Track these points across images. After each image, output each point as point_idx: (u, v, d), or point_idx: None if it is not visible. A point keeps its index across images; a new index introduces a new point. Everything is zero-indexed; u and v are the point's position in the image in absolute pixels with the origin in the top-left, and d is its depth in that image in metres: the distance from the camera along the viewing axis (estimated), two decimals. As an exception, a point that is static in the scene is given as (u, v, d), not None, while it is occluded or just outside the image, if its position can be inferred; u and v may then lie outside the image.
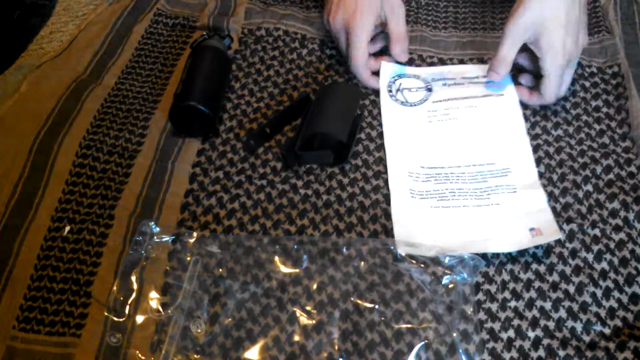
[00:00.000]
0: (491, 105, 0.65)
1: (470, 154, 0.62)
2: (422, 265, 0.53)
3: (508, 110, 0.65)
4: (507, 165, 0.60)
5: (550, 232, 0.54)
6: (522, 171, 0.60)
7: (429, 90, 0.68)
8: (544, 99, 0.63)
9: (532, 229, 0.55)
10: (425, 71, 0.70)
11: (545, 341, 0.50)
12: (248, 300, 0.52)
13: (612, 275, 0.53)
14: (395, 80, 0.68)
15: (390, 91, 0.67)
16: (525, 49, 0.62)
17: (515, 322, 0.51)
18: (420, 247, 0.54)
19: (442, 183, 0.59)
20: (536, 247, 0.55)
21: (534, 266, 0.54)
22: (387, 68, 0.69)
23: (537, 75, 0.64)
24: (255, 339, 0.51)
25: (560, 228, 0.56)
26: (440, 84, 0.68)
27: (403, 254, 0.53)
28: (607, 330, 0.51)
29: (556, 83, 0.62)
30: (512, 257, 0.55)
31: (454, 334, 0.50)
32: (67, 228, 0.58)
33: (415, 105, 0.67)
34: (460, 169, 0.61)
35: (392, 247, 0.54)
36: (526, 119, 0.65)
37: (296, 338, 0.50)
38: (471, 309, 0.51)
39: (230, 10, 0.77)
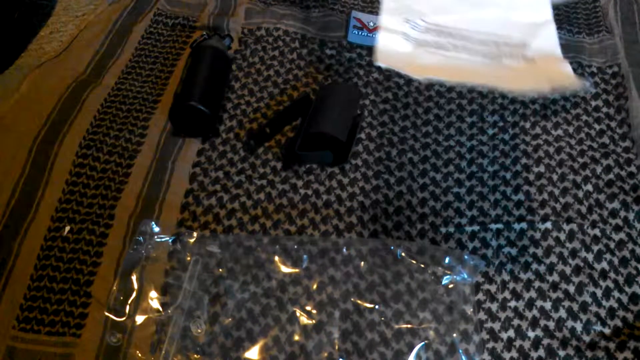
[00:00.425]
0: None
1: (483, 23, 0.55)
2: (422, 265, 0.53)
3: None
4: (525, 40, 0.54)
5: (572, 82, 0.49)
6: (542, 45, 0.53)
7: None
8: None
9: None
10: None
11: (545, 341, 0.50)
12: (248, 300, 0.52)
13: (612, 275, 0.53)
14: None
15: None
16: None
17: (515, 322, 0.51)
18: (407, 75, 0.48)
19: (445, 37, 0.53)
20: (536, 246, 0.55)
21: (534, 266, 0.54)
22: None
23: None
24: (255, 338, 0.51)
25: (560, 228, 0.56)
26: None
27: (383, 66, 0.48)
28: (607, 330, 0.51)
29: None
30: (512, 257, 0.55)
31: (454, 334, 0.50)
32: (67, 228, 0.58)
33: None
34: (468, 33, 0.54)
35: (392, 247, 0.54)
36: (526, 119, 0.65)
37: (296, 338, 0.50)
38: (471, 309, 0.51)
39: (230, 10, 0.77)
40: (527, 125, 0.64)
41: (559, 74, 0.49)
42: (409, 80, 0.69)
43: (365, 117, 0.66)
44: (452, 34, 0.53)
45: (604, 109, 0.65)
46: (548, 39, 0.53)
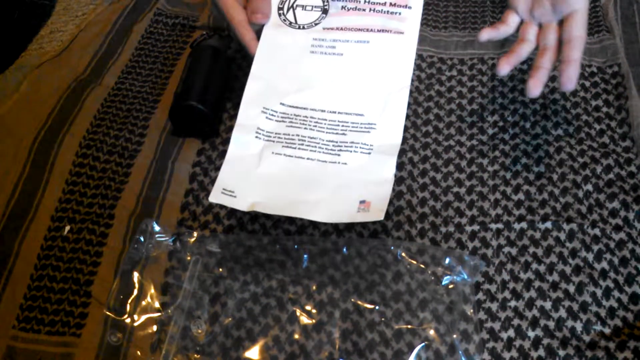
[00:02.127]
0: (385, 44, 0.56)
1: (341, 99, 0.55)
2: (422, 265, 0.53)
3: (401, 55, 0.56)
4: (375, 120, 0.53)
5: (376, 210, 0.48)
6: (387, 131, 0.53)
7: (325, 12, 0.59)
8: (579, 40, 0.54)
9: (362, 202, 0.49)
10: None
11: (545, 341, 0.50)
12: (248, 300, 0.52)
13: (612, 275, 0.53)
14: None
15: (280, 8, 0.59)
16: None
17: (515, 321, 0.51)
18: (237, 200, 0.49)
19: (296, 127, 0.54)
20: (536, 246, 0.55)
21: (534, 266, 0.54)
22: None
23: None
24: (256, 338, 0.51)
25: (560, 228, 0.56)
26: (339, 6, 0.59)
27: (215, 202, 0.49)
28: (607, 330, 0.51)
29: (586, 17, 0.55)
30: (512, 257, 0.55)
31: (454, 334, 0.50)
32: (67, 228, 0.58)
33: (303, 28, 0.58)
34: (323, 114, 0.54)
35: (392, 247, 0.54)
36: (526, 118, 0.65)
37: (296, 338, 0.50)
38: (471, 309, 0.51)
39: (230, 10, 0.77)
40: (527, 125, 0.64)
41: (374, 194, 0.49)
42: (409, 80, 0.69)
43: None
44: (306, 120, 0.54)
45: (604, 109, 0.65)
46: (394, 124, 0.53)
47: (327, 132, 0.53)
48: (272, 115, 0.54)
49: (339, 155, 0.52)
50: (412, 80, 0.69)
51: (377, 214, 0.47)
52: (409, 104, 0.67)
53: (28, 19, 0.79)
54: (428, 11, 0.78)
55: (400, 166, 0.62)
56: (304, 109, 0.55)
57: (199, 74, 0.65)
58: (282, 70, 0.56)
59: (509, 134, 0.64)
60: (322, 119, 0.54)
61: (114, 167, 0.62)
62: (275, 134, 0.53)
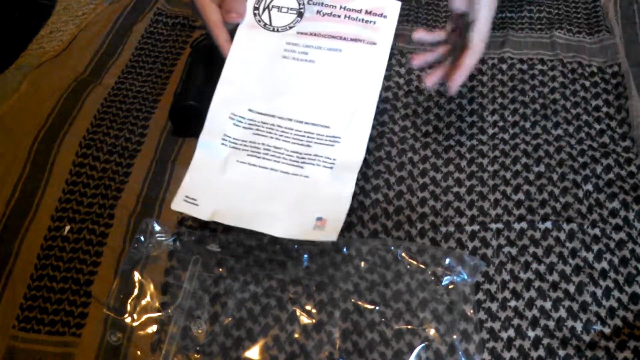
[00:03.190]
0: (357, 53, 0.56)
1: (309, 109, 0.54)
2: (422, 265, 0.53)
3: (372, 66, 0.56)
4: (340, 134, 0.53)
5: (331, 229, 0.48)
6: (351, 146, 0.53)
7: (300, 15, 0.58)
8: (474, 51, 0.55)
9: (319, 219, 0.49)
10: None
11: (545, 341, 0.50)
12: (248, 300, 0.52)
13: (612, 274, 0.53)
14: None
15: (256, 8, 0.58)
16: None
17: (515, 321, 0.51)
18: (199, 208, 0.49)
19: (262, 136, 0.54)
20: (536, 246, 0.55)
21: (534, 266, 0.54)
22: None
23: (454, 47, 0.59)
24: (256, 338, 0.51)
25: (560, 227, 0.56)
26: (314, 10, 0.58)
27: (177, 209, 0.50)
28: (607, 330, 0.51)
29: (487, 28, 0.56)
30: (512, 257, 0.55)
31: (454, 334, 0.50)
32: (67, 227, 0.58)
33: (277, 30, 0.57)
34: (290, 124, 0.54)
35: (392, 247, 0.54)
36: (526, 118, 0.65)
37: (296, 337, 0.50)
38: (471, 309, 0.51)
39: (230, 10, 0.77)
40: (527, 124, 0.64)
41: (332, 211, 0.50)
42: (409, 80, 0.69)
43: None
44: (272, 128, 0.54)
45: (604, 109, 0.65)
46: (359, 139, 0.53)
47: (292, 143, 0.53)
48: (240, 121, 0.54)
49: (302, 167, 0.52)
50: (412, 80, 0.69)
51: (331, 233, 0.48)
52: (409, 104, 0.67)
53: (28, 19, 0.79)
54: (428, 11, 0.78)
55: (400, 166, 0.62)
56: (272, 116, 0.55)
57: (199, 74, 0.65)
58: (253, 75, 0.56)
59: (509, 134, 0.64)
60: (289, 129, 0.54)
61: (114, 167, 0.62)
62: (242, 141, 0.54)
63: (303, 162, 0.52)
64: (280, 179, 0.52)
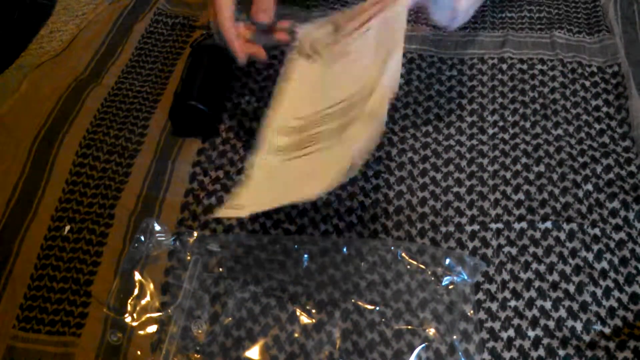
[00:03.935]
0: (381, 24, 0.56)
1: (342, 90, 0.54)
2: (422, 266, 0.53)
3: (394, 29, 0.56)
4: (370, 91, 0.52)
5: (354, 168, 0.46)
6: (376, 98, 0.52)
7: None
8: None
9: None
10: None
11: (545, 340, 0.50)
12: (248, 299, 0.52)
13: (612, 274, 0.53)
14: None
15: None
16: None
17: (515, 321, 0.51)
18: (243, 210, 0.47)
19: (304, 131, 0.53)
20: (536, 246, 0.55)
21: (534, 266, 0.54)
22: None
23: None
24: (256, 338, 0.51)
25: (560, 227, 0.56)
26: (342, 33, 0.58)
27: (221, 216, 0.49)
28: (607, 330, 0.51)
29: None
30: (512, 257, 0.55)
31: (454, 334, 0.50)
32: (67, 227, 0.58)
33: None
34: (330, 109, 0.53)
35: (392, 247, 0.54)
36: (526, 118, 0.65)
37: (296, 337, 0.50)
38: (471, 309, 0.51)
39: (230, 10, 0.77)
40: (527, 124, 0.64)
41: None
42: (409, 80, 0.69)
43: None
44: (315, 122, 0.53)
45: (604, 109, 0.65)
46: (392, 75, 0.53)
47: (330, 123, 0.52)
48: (287, 130, 0.54)
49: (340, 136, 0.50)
50: (412, 80, 0.69)
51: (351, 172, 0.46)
52: (409, 104, 0.67)
53: (28, 19, 0.79)
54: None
55: (400, 166, 0.62)
56: (315, 112, 0.54)
57: (199, 73, 0.65)
58: (298, 91, 0.55)
59: (509, 133, 0.64)
60: (327, 114, 0.53)
61: (114, 167, 0.62)
62: (287, 145, 0.53)
63: (343, 130, 0.50)
64: (323, 154, 0.50)
